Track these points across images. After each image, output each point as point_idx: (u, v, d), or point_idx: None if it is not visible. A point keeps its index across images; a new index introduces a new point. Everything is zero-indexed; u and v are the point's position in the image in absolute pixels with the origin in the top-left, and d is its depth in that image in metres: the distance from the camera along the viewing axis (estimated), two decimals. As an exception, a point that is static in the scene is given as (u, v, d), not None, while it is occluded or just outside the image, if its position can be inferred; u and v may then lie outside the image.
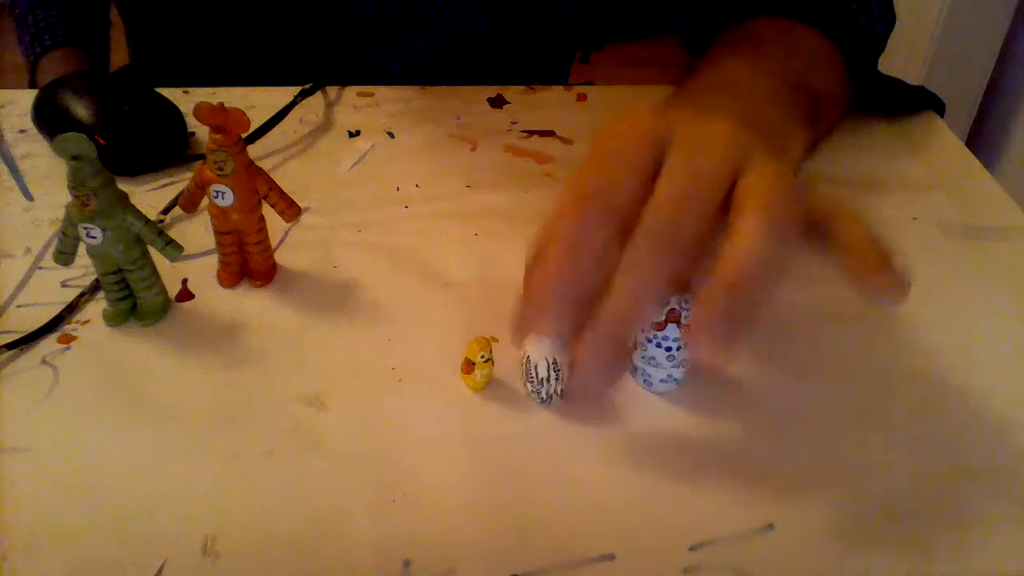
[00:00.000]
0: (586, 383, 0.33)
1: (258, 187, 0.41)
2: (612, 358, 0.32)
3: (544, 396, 0.37)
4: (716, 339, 0.31)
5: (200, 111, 0.38)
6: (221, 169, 0.40)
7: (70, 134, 0.36)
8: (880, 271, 0.32)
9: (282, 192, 0.42)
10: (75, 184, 0.37)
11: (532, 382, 0.37)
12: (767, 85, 0.45)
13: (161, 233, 0.40)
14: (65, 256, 0.40)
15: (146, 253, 0.41)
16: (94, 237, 0.39)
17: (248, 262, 0.44)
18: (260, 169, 0.41)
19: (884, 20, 0.56)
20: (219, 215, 0.41)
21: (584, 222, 0.33)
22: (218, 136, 0.39)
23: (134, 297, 0.41)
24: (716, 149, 0.34)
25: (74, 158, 0.36)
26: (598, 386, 0.35)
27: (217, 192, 0.40)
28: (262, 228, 0.43)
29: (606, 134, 0.35)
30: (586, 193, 0.33)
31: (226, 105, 0.39)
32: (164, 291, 0.42)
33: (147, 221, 0.39)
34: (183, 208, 0.43)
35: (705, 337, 0.31)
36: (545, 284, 0.32)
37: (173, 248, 0.40)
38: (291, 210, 0.42)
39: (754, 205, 0.32)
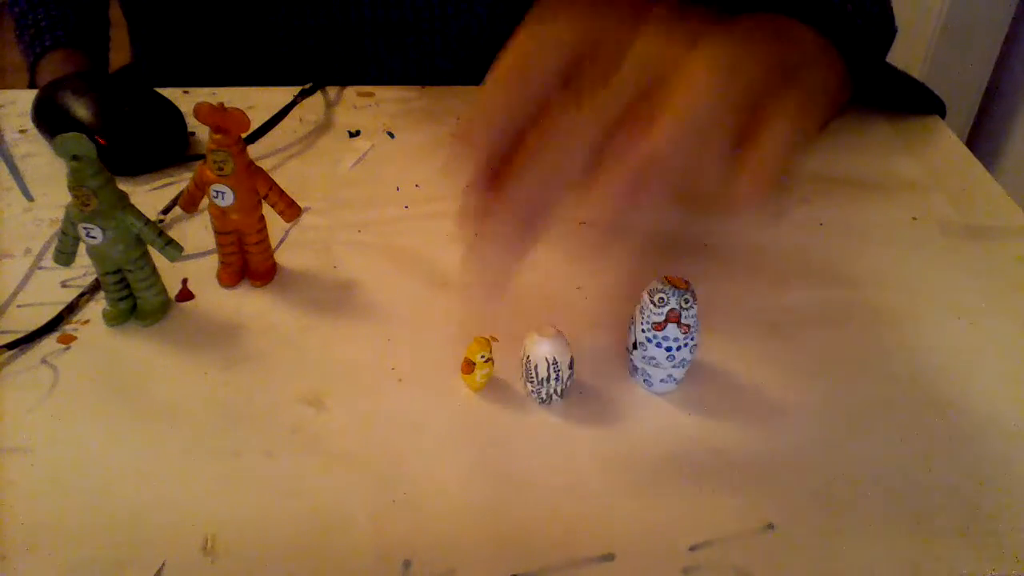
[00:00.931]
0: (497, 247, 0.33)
1: (258, 187, 0.41)
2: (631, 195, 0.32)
3: (544, 396, 0.37)
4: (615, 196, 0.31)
5: (200, 111, 0.38)
6: (221, 169, 0.40)
7: (70, 134, 0.36)
8: (756, 172, 0.32)
9: (282, 192, 0.42)
10: (75, 184, 0.37)
11: (532, 382, 0.37)
12: (761, 72, 0.46)
13: (161, 233, 0.40)
14: (65, 256, 0.40)
15: (146, 253, 0.41)
16: (94, 237, 0.39)
17: (248, 262, 0.44)
18: (260, 169, 0.41)
19: (880, 22, 0.56)
20: (219, 215, 0.41)
21: (534, 55, 0.33)
22: (218, 136, 0.39)
23: (134, 297, 0.41)
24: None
25: (74, 158, 0.36)
26: (507, 254, 0.34)
27: (217, 192, 0.40)
28: (262, 228, 0.43)
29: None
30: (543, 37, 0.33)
31: (226, 105, 0.39)
32: (164, 291, 0.42)
33: (147, 221, 0.39)
34: (183, 208, 0.43)
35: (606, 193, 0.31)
36: (492, 102, 0.33)
37: (173, 248, 0.40)
38: (291, 210, 0.42)
39: (683, 95, 0.32)
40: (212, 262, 0.45)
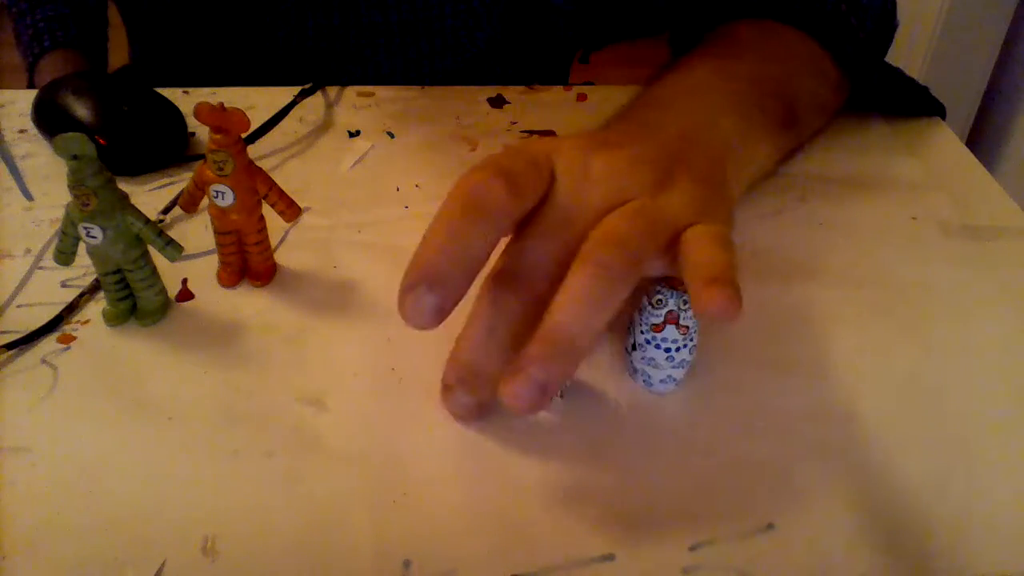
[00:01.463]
0: (514, 400, 0.30)
1: (258, 187, 0.41)
2: (548, 377, 0.30)
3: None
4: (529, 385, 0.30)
5: (200, 111, 0.38)
6: (221, 169, 0.40)
7: (70, 134, 0.36)
8: (713, 284, 0.31)
9: (282, 192, 0.42)
10: (75, 184, 0.37)
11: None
12: (732, 90, 0.45)
13: (161, 233, 0.40)
14: (65, 256, 0.40)
15: (146, 253, 0.41)
16: (94, 237, 0.39)
17: (248, 262, 0.44)
18: (260, 169, 0.41)
19: (878, 18, 0.56)
20: (219, 215, 0.41)
21: (475, 185, 0.33)
22: (218, 136, 0.39)
23: (134, 297, 0.41)
24: (596, 186, 0.34)
25: (74, 158, 0.36)
26: (526, 404, 0.31)
27: (217, 192, 0.40)
28: (262, 228, 0.43)
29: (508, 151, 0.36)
30: (471, 194, 0.33)
31: (226, 105, 0.39)
32: (164, 291, 0.42)
33: (147, 221, 0.39)
34: (183, 208, 0.43)
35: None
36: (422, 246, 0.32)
37: (173, 248, 0.40)
38: (291, 210, 0.42)
39: (585, 260, 0.32)
40: (212, 262, 0.45)
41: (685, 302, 0.35)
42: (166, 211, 0.49)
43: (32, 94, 0.55)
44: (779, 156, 0.49)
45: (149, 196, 0.50)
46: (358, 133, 0.56)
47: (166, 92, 0.55)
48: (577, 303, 0.31)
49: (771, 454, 0.36)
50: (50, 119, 0.53)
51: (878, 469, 0.36)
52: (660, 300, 0.35)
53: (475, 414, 0.36)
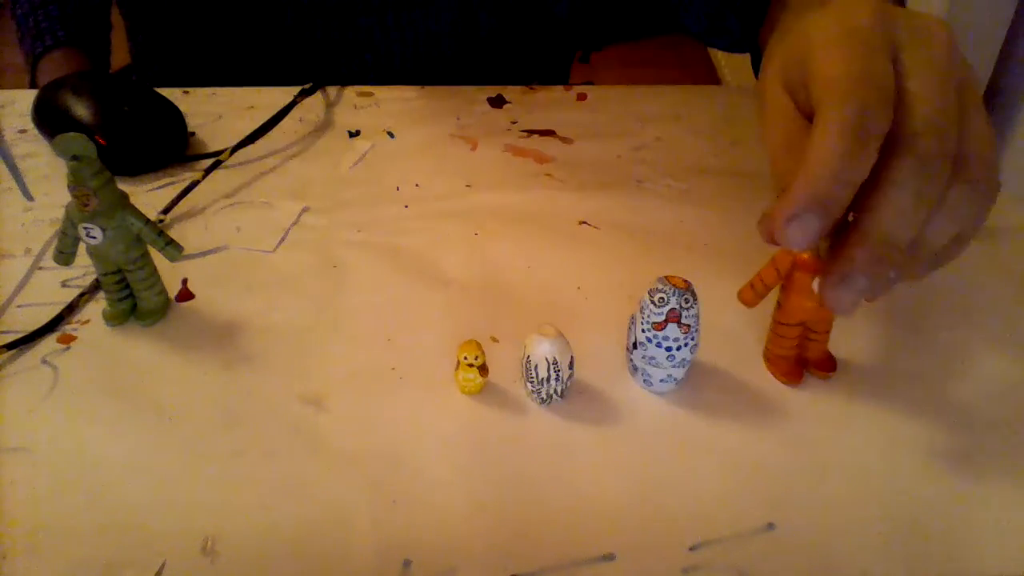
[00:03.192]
0: (840, 304, 0.32)
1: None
2: (875, 284, 0.31)
3: (544, 396, 0.37)
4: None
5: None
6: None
7: (70, 134, 0.36)
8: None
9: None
10: (75, 184, 0.37)
11: (532, 382, 0.37)
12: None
13: (161, 233, 0.40)
14: (65, 256, 0.40)
15: (146, 253, 0.41)
16: (94, 237, 0.39)
17: (807, 351, 0.40)
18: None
19: None
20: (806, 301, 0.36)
21: (861, 101, 0.30)
22: None
23: (134, 297, 0.41)
24: (953, 52, 0.33)
25: (74, 158, 0.36)
26: (851, 307, 0.32)
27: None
28: (832, 320, 0.38)
29: (830, 18, 0.34)
30: (854, 70, 0.31)
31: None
32: (164, 291, 0.42)
33: (147, 221, 0.39)
34: (745, 302, 0.38)
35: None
36: (814, 171, 0.30)
37: (173, 248, 0.40)
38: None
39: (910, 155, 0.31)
40: (212, 262, 0.45)
41: (687, 300, 0.35)
42: (166, 211, 0.49)
43: (32, 94, 0.55)
44: None
45: (149, 196, 0.50)
46: (358, 133, 0.56)
47: (166, 92, 0.55)
48: (901, 205, 0.31)
49: (771, 454, 0.36)
50: (50, 119, 0.53)
51: (878, 469, 0.36)
52: (662, 298, 0.35)
53: (815, 242, 0.32)
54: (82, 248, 0.40)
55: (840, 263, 0.31)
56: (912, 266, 0.33)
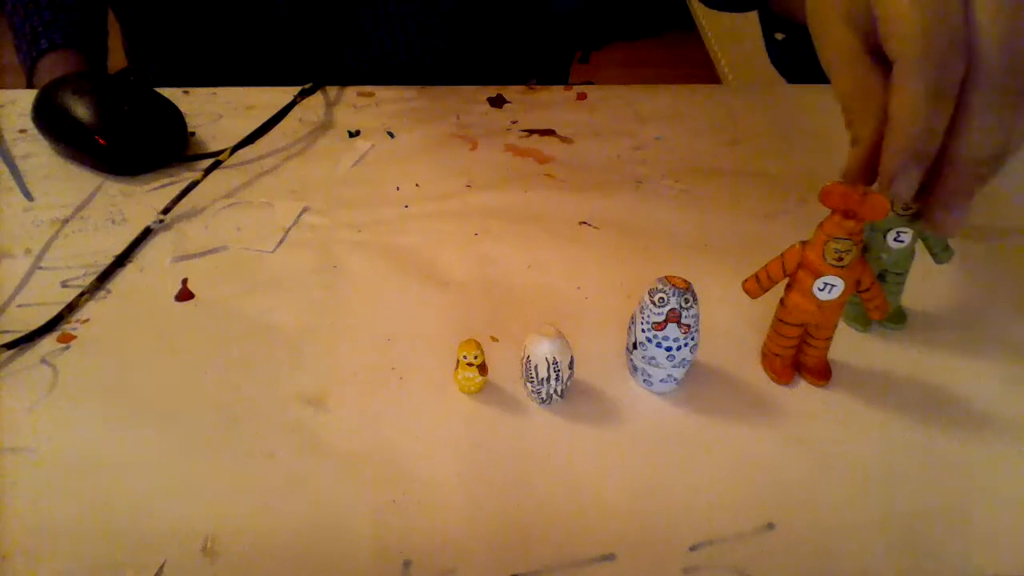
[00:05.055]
0: (949, 228, 0.35)
1: (863, 279, 0.37)
2: (972, 198, 0.34)
3: (544, 396, 0.37)
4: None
5: (831, 194, 0.34)
6: (840, 259, 0.35)
7: None
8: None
9: (880, 287, 0.38)
10: None
11: (532, 382, 0.37)
12: None
13: (941, 238, 0.40)
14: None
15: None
16: (901, 241, 0.39)
17: (804, 357, 0.40)
18: (865, 260, 0.37)
19: None
20: (808, 307, 0.37)
21: (939, 58, 0.32)
22: (849, 223, 0.34)
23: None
24: None
25: None
26: (959, 227, 0.35)
27: (826, 284, 0.36)
28: (836, 325, 0.39)
29: None
30: (928, 24, 0.32)
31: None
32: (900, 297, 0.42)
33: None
34: (750, 293, 0.38)
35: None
36: (907, 131, 0.32)
37: (947, 253, 0.40)
38: (883, 307, 0.38)
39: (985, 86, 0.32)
40: (212, 262, 0.45)
41: (687, 300, 0.35)
42: (166, 211, 0.49)
43: (32, 94, 0.55)
44: None
45: (149, 196, 0.50)
46: (358, 133, 0.56)
47: (166, 92, 0.55)
48: (987, 126, 0.32)
49: (771, 454, 0.36)
50: (50, 119, 0.53)
51: (878, 469, 0.36)
52: (662, 298, 0.35)
53: (917, 187, 0.34)
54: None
55: (940, 191, 0.34)
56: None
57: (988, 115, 0.32)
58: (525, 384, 0.37)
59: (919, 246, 0.40)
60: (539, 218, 0.49)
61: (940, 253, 0.41)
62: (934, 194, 0.34)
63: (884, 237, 0.39)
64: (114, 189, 0.50)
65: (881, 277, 0.41)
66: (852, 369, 0.40)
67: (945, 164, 0.33)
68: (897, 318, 0.42)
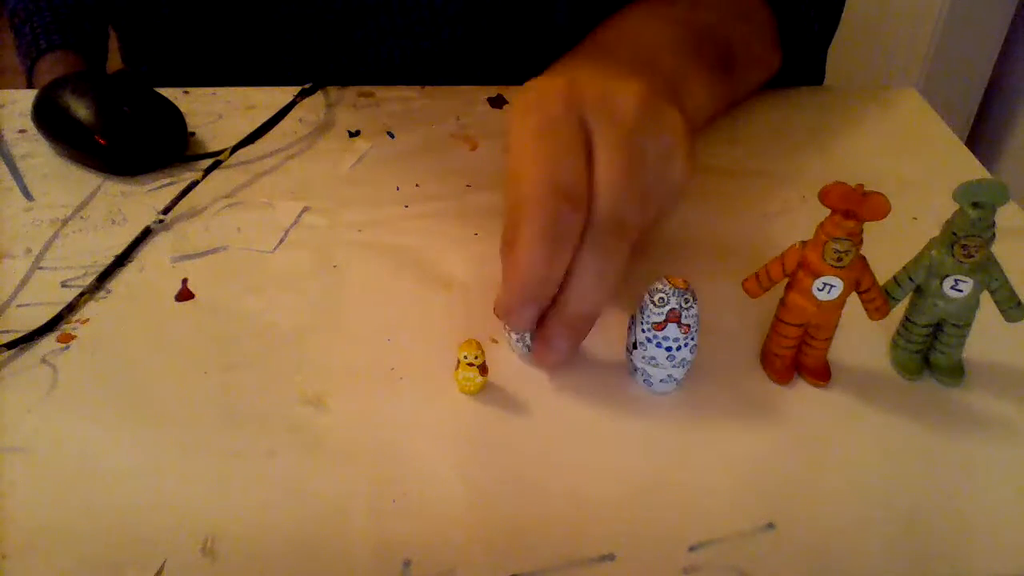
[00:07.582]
0: (546, 362, 0.38)
1: (862, 280, 0.37)
2: (574, 344, 0.38)
3: (526, 346, 0.38)
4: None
5: (831, 193, 0.34)
6: (840, 260, 0.35)
7: (985, 179, 0.34)
8: None
9: (880, 287, 0.38)
10: (971, 233, 0.35)
11: (516, 331, 0.38)
12: (670, 34, 0.48)
13: (1013, 294, 0.37)
14: (895, 303, 0.38)
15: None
16: (960, 291, 0.36)
17: (803, 357, 0.40)
18: (865, 260, 0.37)
19: (827, 12, 0.58)
20: (807, 307, 0.37)
21: (553, 211, 0.35)
22: (850, 223, 0.34)
23: (930, 350, 0.39)
24: (641, 120, 0.37)
25: (975, 205, 0.34)
26: (556, 364, 0.39)
27: (826, 284, 0.36)
28: (837, 325, 0.39)
29: (526, 109, 0.38)
30: (545, 180, 0.35)
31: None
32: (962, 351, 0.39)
33: (1005, 279, 0.36)
34: (749, 292, 0.38)
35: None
36: (522, 277, 0.35)
37: (1019, 311, 0.37)
38: (884, 307, 0.38)
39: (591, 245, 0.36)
40: (212, 262, 0.45)
41: (687, 300, 0.35)
42: (166, 211, 0.49)
43: (32, 94, 0.55)
44: (718, 97, 0.52)
45: (149, 196, 0.50)
46: (358, 133, 0.56)
47: (166, 92, 0.55)
48: (585, 286, 0.36)
49: (771, 454, 0.36)
50: (50, 119, 0.53)
51: (878, 469, 0.36)
52: (662, 298, 0.35)
53: (534, 322, 0.38)
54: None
55: (544, 330, 0.37)
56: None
57: (587, 275, 0.35)
58: (508, 335, 0.39)
59: (985, 297, 0.37)
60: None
61: (1010, 310, 0.37)
62: (540, 328, 0.37)
63: (941, 284, 0.36)
64: (114, 189, 0.50)
65: (939, 327, 0.39)
66: (852, 369, 0.40)
67: (551, 309, 0.37)
68: (954, 373, 0.39)
